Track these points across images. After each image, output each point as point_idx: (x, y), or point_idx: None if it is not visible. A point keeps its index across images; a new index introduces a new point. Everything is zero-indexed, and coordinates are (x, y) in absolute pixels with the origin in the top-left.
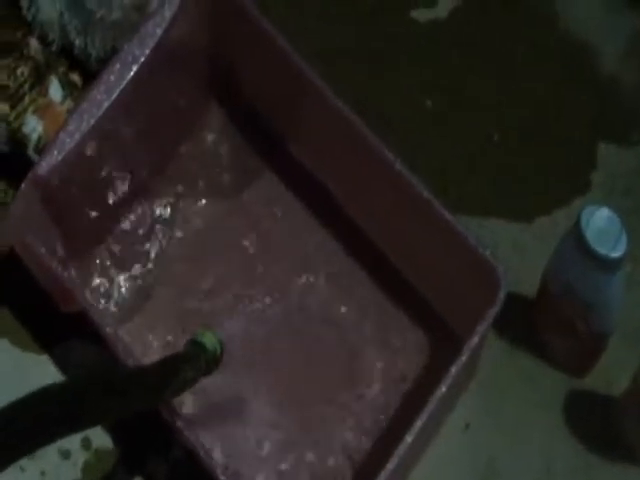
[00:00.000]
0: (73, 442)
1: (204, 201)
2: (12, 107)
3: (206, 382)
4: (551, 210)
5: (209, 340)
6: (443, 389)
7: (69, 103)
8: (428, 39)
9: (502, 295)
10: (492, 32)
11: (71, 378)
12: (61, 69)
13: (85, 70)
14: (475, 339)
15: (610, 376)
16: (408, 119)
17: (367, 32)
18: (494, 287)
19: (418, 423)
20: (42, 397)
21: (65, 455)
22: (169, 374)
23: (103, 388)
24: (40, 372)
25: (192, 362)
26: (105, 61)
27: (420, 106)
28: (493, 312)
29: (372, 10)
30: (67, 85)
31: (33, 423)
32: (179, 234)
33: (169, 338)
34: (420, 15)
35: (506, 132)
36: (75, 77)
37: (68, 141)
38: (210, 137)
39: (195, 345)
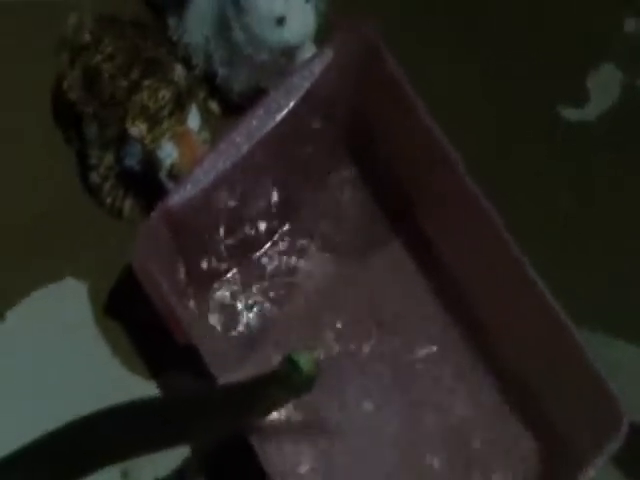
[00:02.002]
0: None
1: (327, 259)
2: (150, 129)
3: None
4: None
5: (304, 360)
6: None
7: (206, 133)
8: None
9: (624, 432)
10: None
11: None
12: (201, 95)
13: (224, 100)
14: (592, 471)
15: None
16: (537, 216)
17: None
18: (616, 421)
19: None
20: (139, 409)
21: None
22: (259, 392)
23: (193, 407)
24: (141, 394)
25: (283, 381)
26: (246, 96)
27: (551, 203)
28: (613, 447)
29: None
30: (205, 113)
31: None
32: (299, 286)
33: None
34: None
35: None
36: (213, 105)
37: (202, 178)
38: (341, 195)
39: (289, 363)
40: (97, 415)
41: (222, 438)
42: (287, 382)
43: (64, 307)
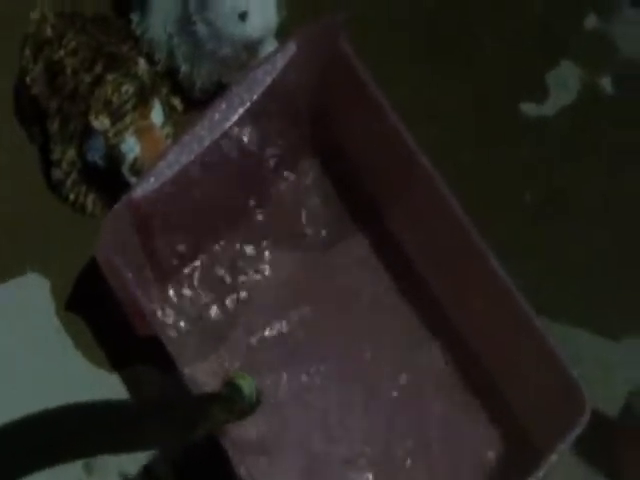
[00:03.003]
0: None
1: (288, 250)
2: (113, 123)
3: None
4: (636, 329)
5: (247, 385)
6: None
7: (168, 128)
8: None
9: (585, 419)
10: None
11: (102, 404)
12: (164, 91)
13: (186, 96)
14: (554, 457)
15: None
16: (504, 210)
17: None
18: (578, 408)
19: None
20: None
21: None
22: (200, 413)
23: (130, 420)
24: (107, 390)
25: (225, 404)
26: (208, 92)
27: (513, 195)
28: (575, 434)
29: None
30: (167, 109)
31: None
32: (261, 279)
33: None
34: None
35: (605, 242)
36: (176, 101)
37: (166, 171)
38: (304, 188)
39: (232, 388)
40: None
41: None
42: (229, 406)
43: (27, 302)
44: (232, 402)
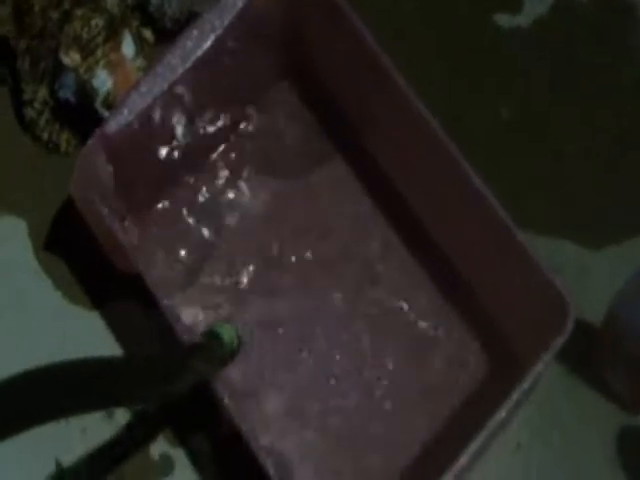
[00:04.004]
0: None
1: (267, 179)
2: (83, 58)
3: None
4: (622, 240)
5: (227, 333)
6: (502, 414)
7: (140, 61)
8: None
9: (570, 327)
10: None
11: (77, 363)
12: (134, 24)
13: (157, 27)
14: (539, 367)
15: None
16: (481, 126)
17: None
18: (562, 317)
19: (473, 445)
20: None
21: (109, 414)
22: (180, 364)
23: (111, 376)
24: (88, 329)
25: (205, 354)
26: (179, 22)
27: (495, 114)
28: (559, 343)
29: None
30: (139, 41)
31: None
32: (239, 208)
33: (220, 313)
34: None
35: (584, 151)
36: (147, 33)
37: (139, 102)
38: (280, 115)
39: (211, 336)
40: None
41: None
42: (209, 355)
43: (3, 244)
44: (211, 351)
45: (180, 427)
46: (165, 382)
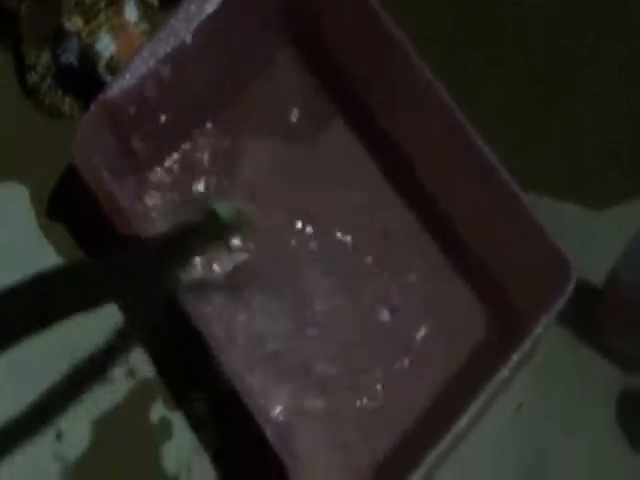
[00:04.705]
0: (116, 370)
1: (270, 141)
2: (86, 22)
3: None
4: (624, 200)
5: (224, 209)
6: (503, 374)
7: (143, 25)
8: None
9: (571, 287)
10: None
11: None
12: None
13: None
14: (540, 328)
15: None
16: (485, 88)
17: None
18: (564, 277)
19: (473, 405)
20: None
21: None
22: (181, 243)
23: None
24: None
25: (204, 230)
26: None
27: (496, 69)
28: (560, 304)
29: None
30: (142, 5)
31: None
32: (242, 172)
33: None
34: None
35: (589, 115)
36: None
37: (142, 67)
38: (284, 78)
39: (208, 214)
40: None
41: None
42: (207, 231)
43: (6, 210)
44: (208, 228)
45: (178, 391)
46: (170, 259)
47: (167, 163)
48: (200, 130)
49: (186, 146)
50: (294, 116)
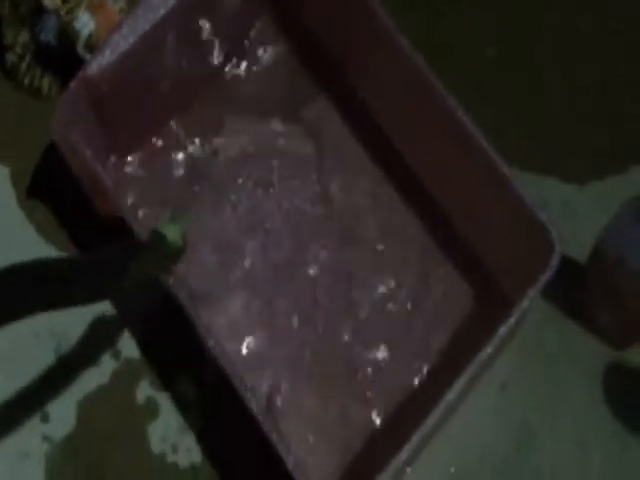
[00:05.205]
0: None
1: (252, 121)
2: (65, 1)
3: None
4: (605, 175)
5: (171, 232)
6: (489, 350)
7: (121, 3)
8: None
9: (555, 261)
10: None
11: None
12: None
13: None
14: (525, 302)
15: None
16: (468, 63)
17: None
18: (548, 251)
19: (460, 381)
20: None
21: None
22: (124, 264)
23: (55, 274)
24: None
25: (151, 252)
26: None
27: (482, 52)
28: (545, 278)
29: None
30: None
31: None
32: (224, 151)
33: (201, 258)
34: None
35: (568, 89)
36: None
37: (121, 44)
38: (264, 55)
39: (155, 235)
40: None
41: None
42: (155, 253)
43: None
44: (156, 250)
45: (164, 371)
46: (115, 276)
47: (149, 142)
48: (181, 109)
49: (169, 125)
50: (274, 94)
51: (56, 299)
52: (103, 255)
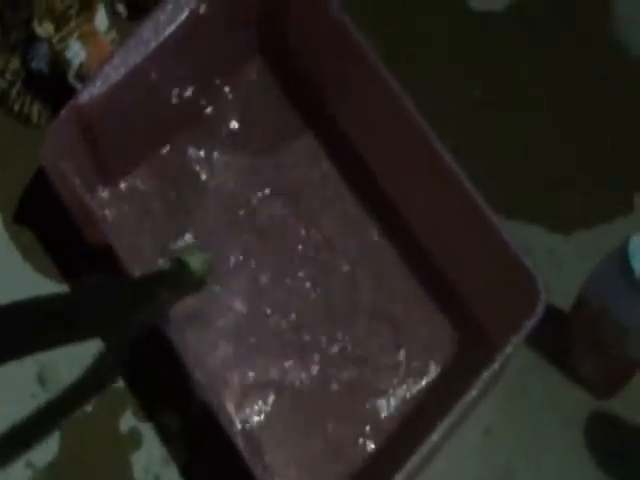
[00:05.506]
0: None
1: (238, 154)
2: (57, 29)
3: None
4: (591, 225)
5: (195, 261)
6: (473, 393)
7: (113, 34)
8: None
9: (541, 309)
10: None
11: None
12: None
13: (131, 1)
14: (509, 348)
15: (635, 401)
16: (454, 107)
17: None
18: (533, 298)
19: (444, 424)
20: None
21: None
22: (143, 294)
23: (81, 303)
24: None
25: (171, 283)
26: None
27: (462, 92)
28: (530, 325)
29: None
30: (112, 14)
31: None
32: (211, 181)
33: None
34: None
35: (555, 135)
36: (120, 7)
37: (112, 75)
38: (252, 89)
39: (178, 265)
40: None
41: (118, 337)
42: (175, 283)
43: None
44: (178, 280)
45: (148, 401)
46: (129, 307)
47: (137, 172)
48: (169, 140)
49: (157, 155)
50: (261, 128)
51: (55, 341)
52: (111, 289)
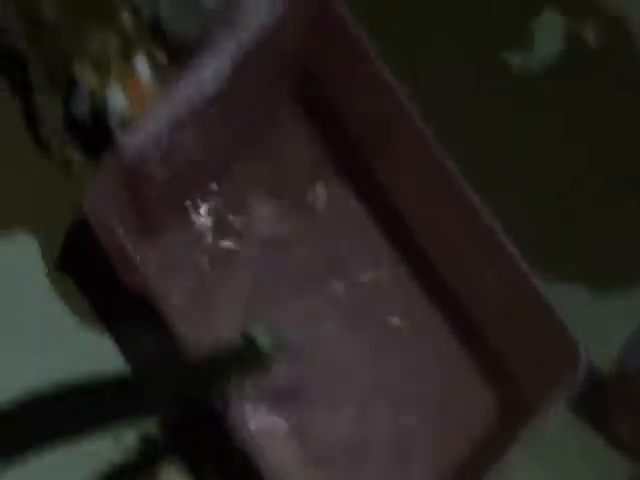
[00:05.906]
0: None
1: (276, 201)
2: (99, 77)
3: None
4: (630, 287)
5: (266, 341)
6: (511, 457)
7: (154, 82)
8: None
9: (580, 372)
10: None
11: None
12: (149, 45)
13: (171, 47)
14: (549, 411)
15: None
16: (487, 165)
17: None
18: (573, 362)
19: None
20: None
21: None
22: (212, 375)
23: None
24: (100, 352)
25: (241, 363)
26: (194, 46)
27: (499, 152)
28: (569, 388)
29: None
30: (153, 62)
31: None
32: (250, 230)
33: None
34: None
35: (592, 195)
36: (161, 56)
37: (154, 125)
38: (291, 145)
39: (248, 344)
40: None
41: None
42: (245, 363)
43: (14, 263)
44: (248, 360)
45: (191, 459)
46: (199, 388)
47: (178, 221)
48: (210, 189)
49: (196, 205)
50: (297, 176)
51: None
52: (184, 367)
